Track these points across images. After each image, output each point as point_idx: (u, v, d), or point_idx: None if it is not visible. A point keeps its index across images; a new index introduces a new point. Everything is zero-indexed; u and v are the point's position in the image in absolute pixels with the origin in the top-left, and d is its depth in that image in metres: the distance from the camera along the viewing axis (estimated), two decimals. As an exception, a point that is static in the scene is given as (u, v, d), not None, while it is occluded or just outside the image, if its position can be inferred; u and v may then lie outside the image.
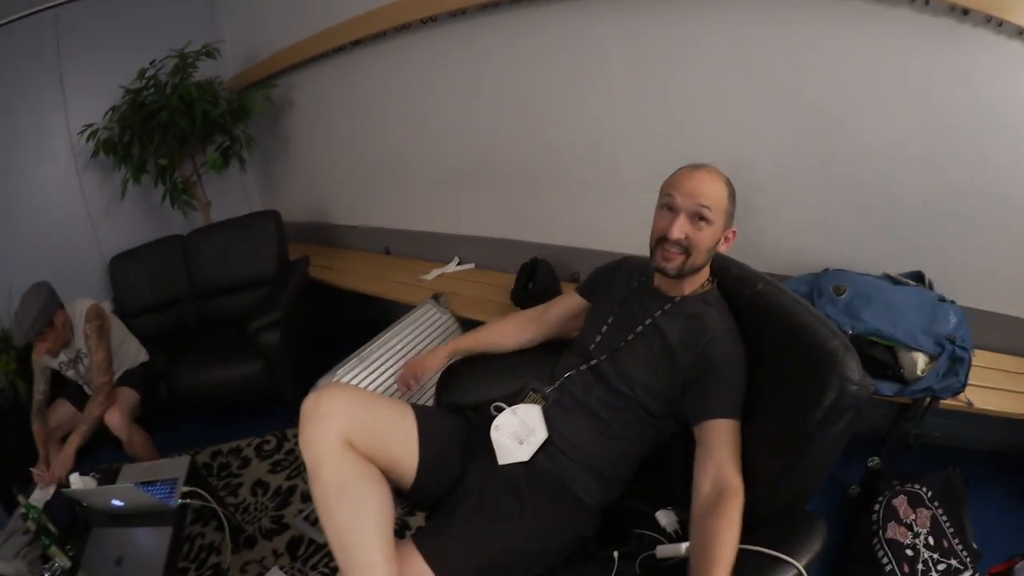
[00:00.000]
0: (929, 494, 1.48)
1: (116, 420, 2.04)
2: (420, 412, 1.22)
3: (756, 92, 1.73)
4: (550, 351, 1.46)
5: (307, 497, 2.08)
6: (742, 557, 0.90)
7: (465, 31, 2.24)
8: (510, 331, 1.53)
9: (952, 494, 1.47)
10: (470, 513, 1.09)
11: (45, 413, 2.12)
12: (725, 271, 1.26)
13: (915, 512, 1.45)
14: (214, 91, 2.91)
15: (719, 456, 1.02)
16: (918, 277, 1.62)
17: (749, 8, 1.65)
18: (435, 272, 2.68)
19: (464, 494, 1.15)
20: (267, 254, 2.81)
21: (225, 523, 1.80)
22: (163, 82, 2.77)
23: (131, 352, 2.35)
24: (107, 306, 2.55)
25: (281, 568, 1.82)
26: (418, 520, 1.85)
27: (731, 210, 1.15)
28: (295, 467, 2.28)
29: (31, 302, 1.94)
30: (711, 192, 1.11)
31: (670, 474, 1.20)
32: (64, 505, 1.73)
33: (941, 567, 1.35)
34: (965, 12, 1.37)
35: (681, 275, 1.16)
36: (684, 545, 0.98)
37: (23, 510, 1.56)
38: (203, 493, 1.71)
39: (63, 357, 2.14)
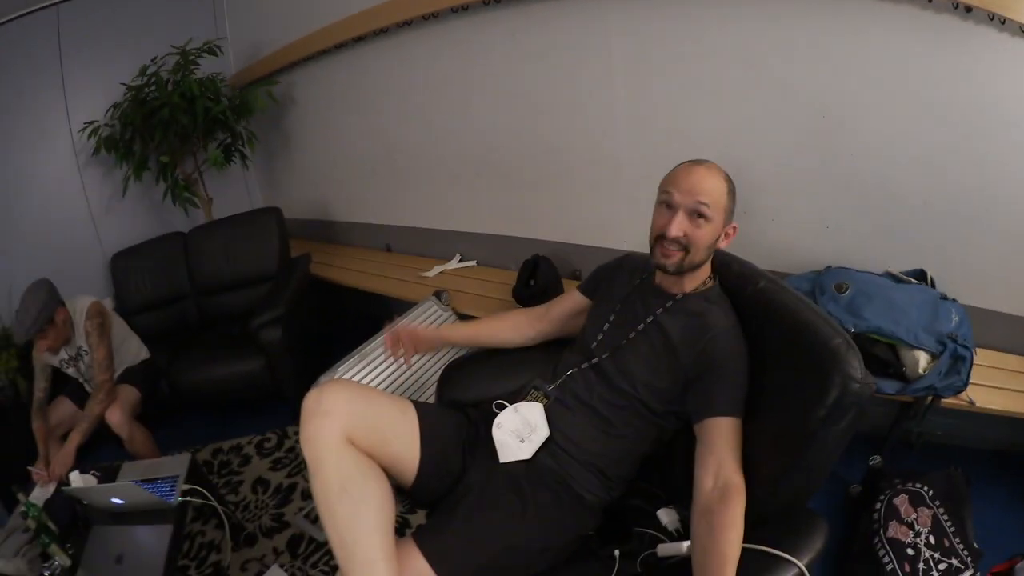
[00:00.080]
0: (931, 493, 1.47)
1: (117, 418, 2.04)
2: (421, 409, 1.22)
3: (757, 90, 1.73)
4: (552, 349, 1.45)
5: (308, 495, 2.07)
6: (744, 556, 0.90)
7: (467, 27, 2.23)
8: (511, 326, 1.52)
9: (954, 493, 1.46)
10: (471, 511, 1.09)
11: (46, 411, 2.12)
12: (727, 268, 1.25)
13: (916, 511, 1.45)
14: (216, 88, 2.91)
15: (720, 454, 1.01)
16: (920, 275, 1.62)
17: (751, 5, 1.64)
18: (436, 269, 2.69)
19: (465, 492, 1.15)
20: (269, 251, 2.81)
21: (225, 521, 1.80)
22: (165, 79, 2.76)
23: (132, 350, 2.35)
24: (108, 303, 2.55)
25: (281, 566, 1.82)
26: (419, 518, 1.85)
27: (731, 206, 1.14)
28: (296, 465, 2.28)
29: (32, 299, 1.93)
30: (710, 189, 1.10)
31: (671, 472, 1.20)
32: (64, 503, 1.73)
33: (942, 566, 1.35)
34: (968, 10, 1.36)
35: (680, 271, 1.15)
36: (685, 544, 0.98)
37: (23, 508, 1.56)
38: (203, 491, 1.71)
39: (64, 355, 2.13)
